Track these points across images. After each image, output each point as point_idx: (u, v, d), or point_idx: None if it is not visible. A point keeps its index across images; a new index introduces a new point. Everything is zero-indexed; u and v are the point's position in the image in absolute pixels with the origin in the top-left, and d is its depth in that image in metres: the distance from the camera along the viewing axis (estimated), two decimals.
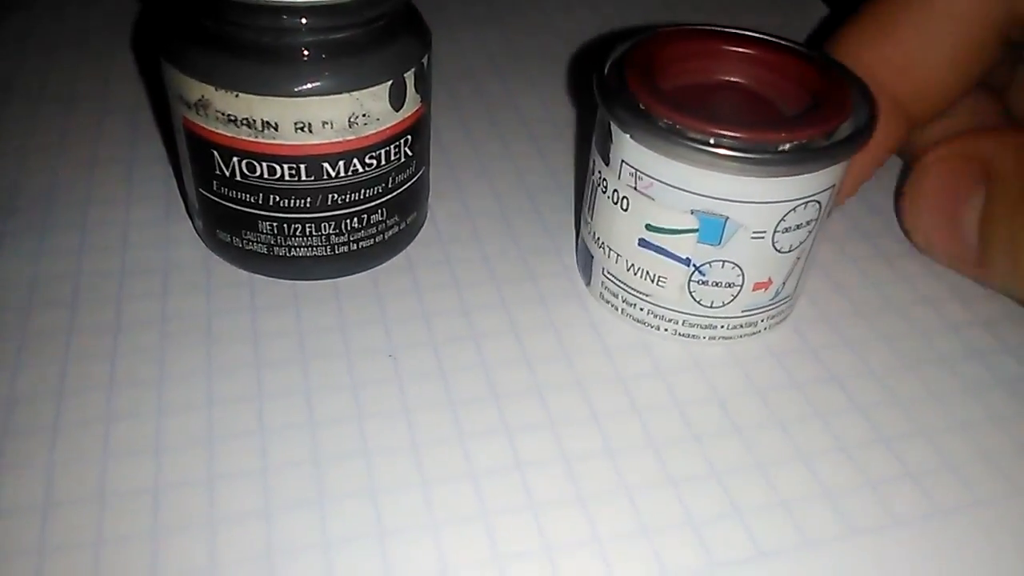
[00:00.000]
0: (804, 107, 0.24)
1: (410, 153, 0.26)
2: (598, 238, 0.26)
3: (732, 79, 0.26)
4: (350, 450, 0.23)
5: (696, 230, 0.23)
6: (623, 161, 0.23)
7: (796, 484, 0.23)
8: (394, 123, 0.25)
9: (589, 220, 0.26)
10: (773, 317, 0.26)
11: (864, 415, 0.25)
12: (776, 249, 0.24)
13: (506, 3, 0.45)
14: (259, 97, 0.23)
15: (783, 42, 0.26)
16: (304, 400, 0.24)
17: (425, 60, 0.26)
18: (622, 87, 0.24)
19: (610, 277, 0.26)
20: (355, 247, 0.27)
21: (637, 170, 0.23)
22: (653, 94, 0.23)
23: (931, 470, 0.24)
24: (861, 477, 0.23)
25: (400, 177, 0.27)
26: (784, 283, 0.25)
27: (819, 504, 0.22)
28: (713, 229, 0.23)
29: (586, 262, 0.27)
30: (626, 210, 0.24)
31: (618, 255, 0.25)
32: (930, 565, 0.21)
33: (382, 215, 0.27)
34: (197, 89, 0.23)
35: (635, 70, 0.24)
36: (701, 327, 0.26)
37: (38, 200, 0.30)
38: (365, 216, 0.26)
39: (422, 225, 0.30)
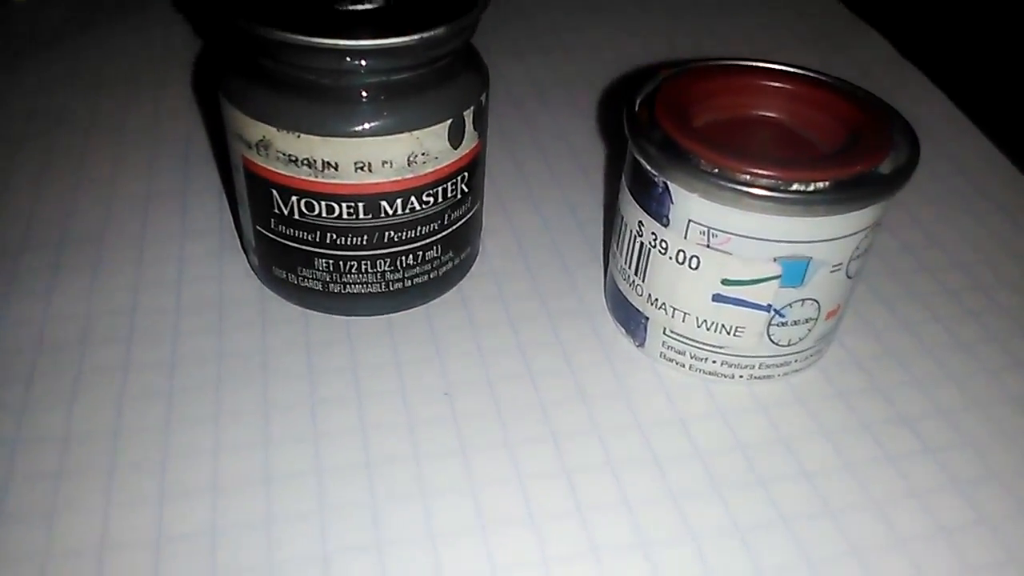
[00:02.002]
0: (840, 137, 0.24)
1: (466, 190, 0.26)
2: (656, 300, 0.25)
3: (761, 114, 0.26)
4: (408, 493, 0.23)
5: (779, 276, 0.23)
6: (690, 220, 0.23)
7: (868, 532, 0.22)
8: (452, 161, 0.25)
9: (640, 282, 0.25)
10: (830, 341, 0.26)
11: (935, 458, 0.24)
12: (848, 276, 0.24)
13: (551, 32, 0.44)
14: (320, 138, 0.23)
15: (809, 74, 0.26)
16: (361, 440, 0.24)
17: (484, 97, 0.25)
18: (673, 146, 0.23)
19: (674, 336, 0.25)
20: (409, 283, 0.27)
21: (710, 228, 0.22)
22: (717, 149, 0.22)
23: (1007, 516, 0.23)
24: (934, 524, 0.22)
25: (456, 214, 0.26)
26: (847, 305, 0.25)
27: (892, 554, 0.22)
28: (796, 272, 0.23)
29: (636, 324, 0.26)
30: (696, 268, 0.23)
31: (686, 314, 0.24)
32: None
33: (437, 251, 0.27)
34: (258, 130, 0.23)
35: (681, 124, 0.23)
36: (776, 366, 0.25)
37: (91, 234, 0.30)
38: (420, 253, 0.26)
39: (475, 260, 0.30)
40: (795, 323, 0.24)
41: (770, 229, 0.22)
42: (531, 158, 0.35)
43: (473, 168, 0.26)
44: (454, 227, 0.27)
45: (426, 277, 0.27)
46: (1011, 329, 0.28)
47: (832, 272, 0.23)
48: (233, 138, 0.25)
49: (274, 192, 0.24)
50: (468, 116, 0.25)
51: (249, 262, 0.29)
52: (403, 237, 0.25)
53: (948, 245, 0.32)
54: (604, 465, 0.24)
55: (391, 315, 0.28)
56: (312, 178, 0.24)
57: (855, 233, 0.23)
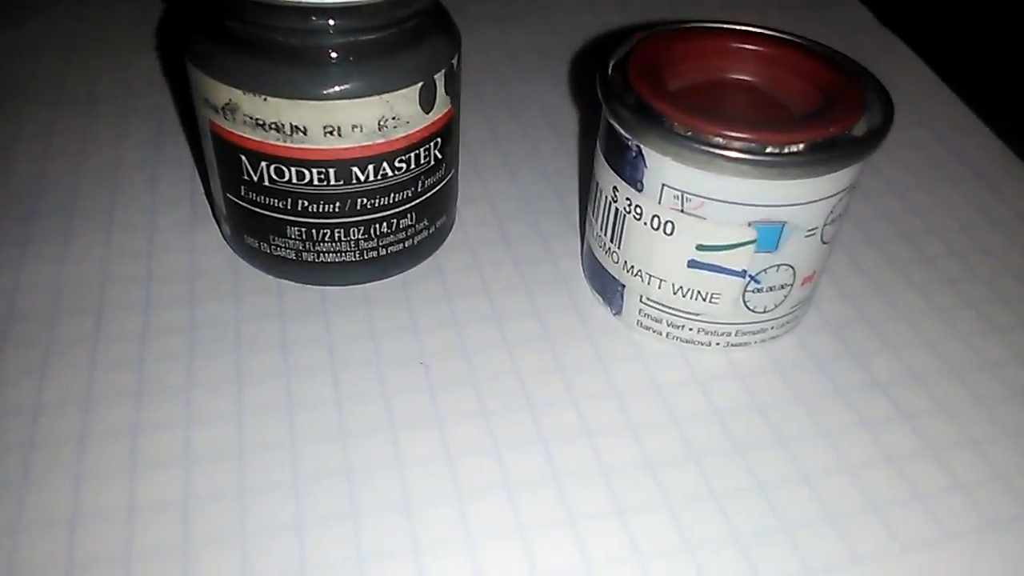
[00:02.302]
0: (815, 100, 0.24)
1: (440, 156, 0.26)
2: (632, 267, 0.25)
3: (736, 77, 0.25)
4: (383, 462, 0.22)
5: (754, 241, 0.23)
6: (664, 185, 0.22)
7: (843, 497, 0.22)
8: (424, 126, 0.24)
9: (615, 249, 0.25)
10: (806, 307, 0.26)
11: (910, 423, 0.24)
12: (823, 242, 0.24)
13: (530, 1, 0.44)
14: (288, 101, 0.22)
15: (784, 36, 0.26)
16: (335, 409, 0.24)
17: (455, 60, 0.25)
18: (646, 109, 0.22)
19: (651, 304, 0.25)
20: (384, 252, 0.26)
21: (683, 192, 0.22)
22: (690, 111, 0.22)
23: (981, 481, 0.23)
24: (909, 489, 0.22)
25: (429, 180, 0.26)
26: (823, 271, 0.25)
27: (867, 518, 0.22)
28: (771, 236, 0.23)
29: (613, 292, 0.26)
30: (671, 234, 0.23)
31: (661, 280, 0.24)
32: None
33: (411, 219, 0.26)
34: (224, 93, 0.23)
35: (654, 87, 0.23)
36: (752, 333, 0.25)
37: (61, 204, 0.30)
38: (394, 221, 0.26)
39: (451, 229, 0.29)
40: (771, 289, 0.24)
41: (744, 193, 0.22)
42: (507, 127, 0.35)
43: (446, 134, 0.26)
44: (428, 195, 0.26)
45: (401, 246, 0.27)
46: (987, 295, 0.28)
47: (807, 237, 0.23)
48: (200, 103, 0.24)
49: (243, 158, 0.24)
50: (439, 79, 0.24)
51: (221, 232, 0.28)
52: (376, 204, 0.25)
53: (926, 212, 0.32)
54: (580, 433, 0.23)
55: (366, 285, 0.27)
56: (281, 143, 0.23)
57: (829, 197, 0.22)
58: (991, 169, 0.34)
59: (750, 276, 0.23)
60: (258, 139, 0.23)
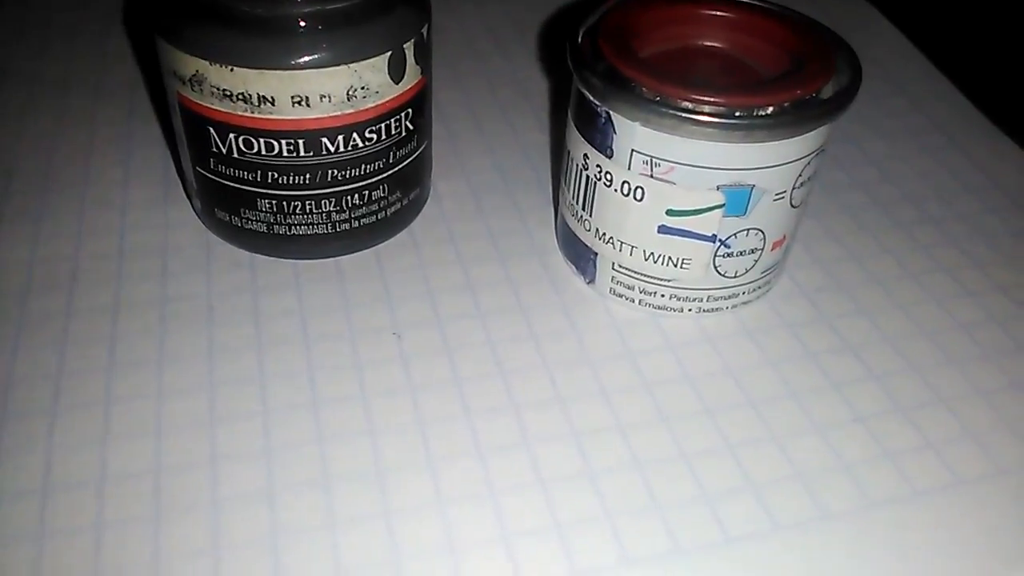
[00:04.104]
0: (784, 66, 0.24)
1: (411, 127, 0.26)
2: (603, 234, 0.25)
3: (706, 43, 0.25)
4: (355, 430, 0.22)
5: (722, 205, 0.23)
6: (634, 151, 0.22)
7: (813, 457, 0.22)
8: (394, 96, 0.24)
9: (587, 217, 0.25)
10: (778, 273, 0.26)
11: (881, 384, 0.24)
12: (792, 206, 0.24)
13: None
14: (255, 71, 0.22)
15: (753, 2, 0.26)
16: (308, 380, 0.24)
17: (425, 30, 0.25)
18: (615, 75, 0.22)
19: (623, 271, 0.25)
20: (356, 224, 0.26)
21: (652, 157, 0.22)
22: (657, 76, 0.22)
23: (951, 439, 0.23)
24: (879, 448, 0.23)
25: (401, 152, 0.26)
26: (794, 236, 0.25)
27: (837, 477, 0.22)
28: (739, 200, 0.23)
29: (585, 260, 0.26)
30: (641, 200, 0.23)
31: (632, 247, 0.24)
32: (952, 537, 0.21)
33: (384, 191, 0.26)
34: (191, 64, 0.23)
35: (622, 53, 0.23)
36: (724, 298, 0.25)
37: (35, 183, 0.30)
38: (366, 192, 0.26)
39: (425, 201, 0.29)
40: (741, 254, 0.24)
41: (711, 156, 0.22)
42: (483, 99, 0.35)
43: (418, 104, 0.26)
44: (400, 166, 0.26)
45: (374, 218, 0.27)
46: (960, 260, 0.28)
47: (776, 200, 0.23)
48: (168, 76, 0.24)
49: (211, 130, 0.24)
50: (409, 49, 0.24)
51: (192, 207, 0.28)
52: (347, 176, 0.25)
53: (901, 180, 0.32)
54: (553, 400, 0.24)
55: (339, 258, 0.27)
56: (249, 114, 0.23)
57: (798, 159, 0.22)
58: (967, 137, 0.34)
59: (720, 241, 0.23)
60: (226, 110, 0.23)
